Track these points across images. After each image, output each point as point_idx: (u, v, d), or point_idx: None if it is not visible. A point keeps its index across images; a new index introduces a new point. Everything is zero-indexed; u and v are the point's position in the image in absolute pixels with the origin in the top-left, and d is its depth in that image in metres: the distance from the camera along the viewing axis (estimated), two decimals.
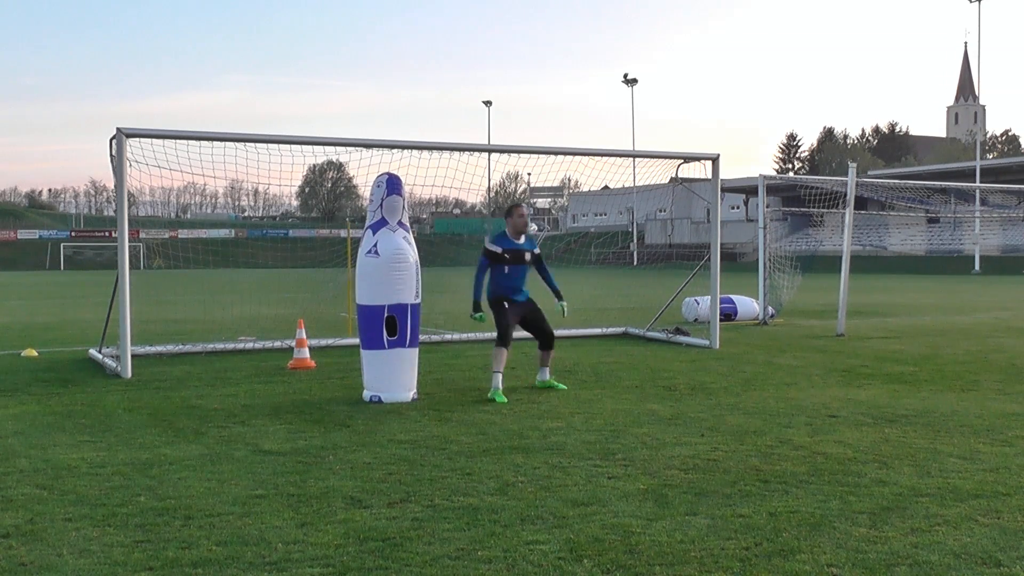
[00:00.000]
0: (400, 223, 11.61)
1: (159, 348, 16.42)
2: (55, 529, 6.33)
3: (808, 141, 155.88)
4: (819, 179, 29.65)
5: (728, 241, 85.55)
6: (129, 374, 13.67)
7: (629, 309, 20.93)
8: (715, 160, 17.73)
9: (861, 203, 31.53)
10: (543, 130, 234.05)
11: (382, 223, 11.56)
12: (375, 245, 11.39)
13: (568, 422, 10.01)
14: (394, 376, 11.38)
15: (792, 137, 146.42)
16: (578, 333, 19.44)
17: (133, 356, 14.89)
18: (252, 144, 14.56)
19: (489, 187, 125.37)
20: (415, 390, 11.65)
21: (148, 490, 7.31)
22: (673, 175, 17.90)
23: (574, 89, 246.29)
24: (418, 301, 11.62)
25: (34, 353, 16.55)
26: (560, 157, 16.96)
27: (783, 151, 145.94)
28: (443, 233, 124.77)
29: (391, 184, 11.71)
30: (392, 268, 11.30)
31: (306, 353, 14.65)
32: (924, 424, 9.81)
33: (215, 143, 14.54)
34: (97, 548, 5.92)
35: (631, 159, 18.03)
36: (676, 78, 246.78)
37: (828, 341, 18.51)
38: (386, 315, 11.33)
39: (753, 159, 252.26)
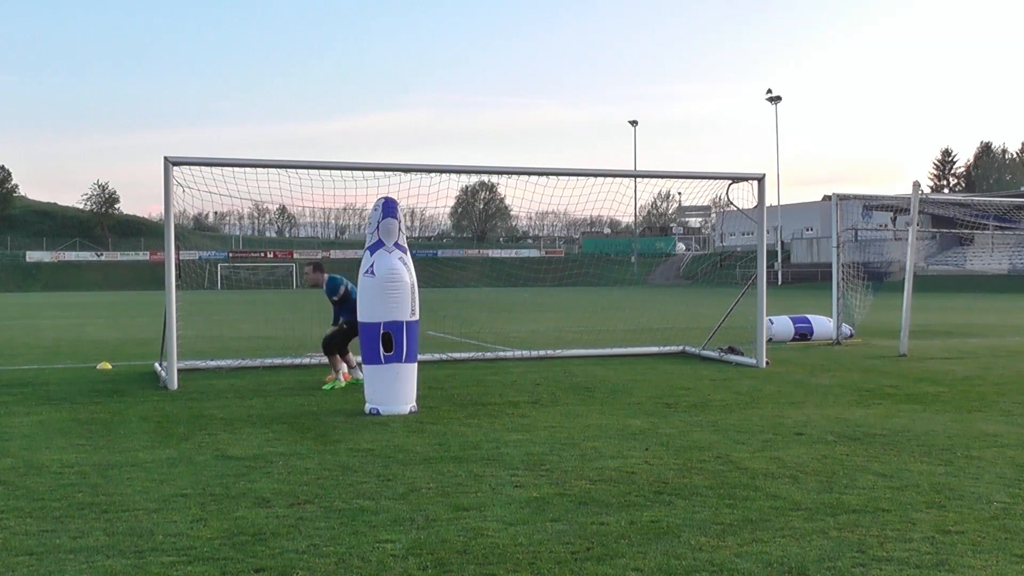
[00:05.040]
0: (396, 244, 12.20)
1: (220, 363, 17.31)
2: None
3: (964, 156, 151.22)
4: (891, 196, 29.43)
5: (874, 260, 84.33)
6: (175, 386, 14.52)
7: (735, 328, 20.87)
8: (760, 180, 17.89)
9: (949, 222, 31.06)
10: (687, 148, 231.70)
11: (379, 244, 12.18)
12: (371, 266, 12.01)
13: (533, 435, 10.40)
14: (392, 390, 11.96)
15: (947, 153, 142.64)
16: (632, 352, 19.87)
17: (195, 370, 15.95)
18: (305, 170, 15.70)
19: (636, 208, 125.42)
20: (414, 403, 12.20)
21: (92, 488, 8.03)
22: (724, 195, 18.12)
23: (716, 106, 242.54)
24: (414, 319, 12.18)
25: (108, 366, 17.60)
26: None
27: (937, 167, 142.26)
28: (591, 252, 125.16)
29: (387, 207, 12.33)
30: (386, 288, 11.90)
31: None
32: (884, 443, 9.89)
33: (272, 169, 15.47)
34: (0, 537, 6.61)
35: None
36: (822, 93, 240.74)
37: (884, 361, 18.40)
38: (382, 332, 11.93)
39: (901, 176, 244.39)
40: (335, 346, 15.04)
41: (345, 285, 15.13)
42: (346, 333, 15.02)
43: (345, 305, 14.99)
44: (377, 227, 12.23)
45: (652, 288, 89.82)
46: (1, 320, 37.97)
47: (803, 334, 22.61)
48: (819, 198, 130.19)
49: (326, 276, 15.35)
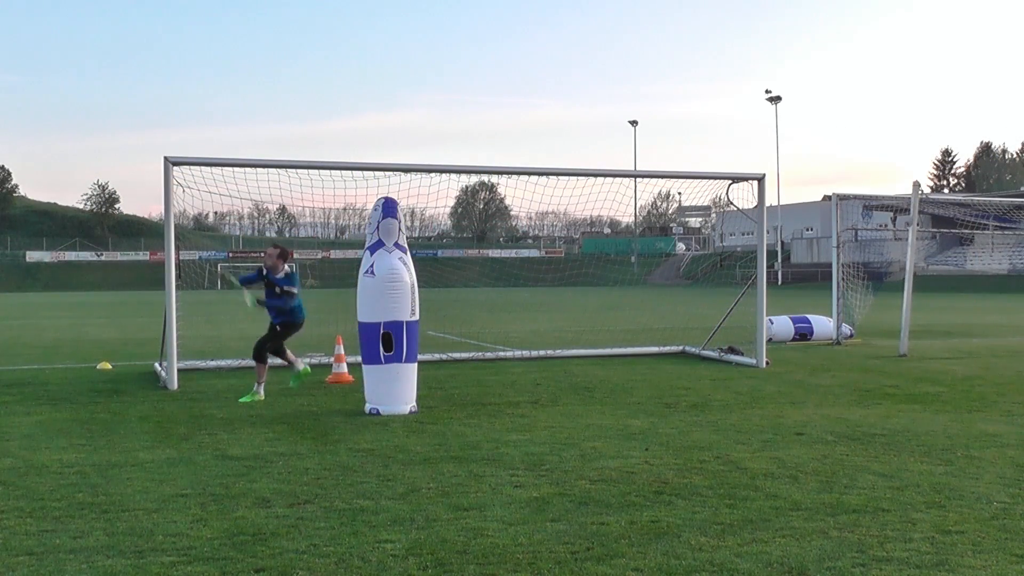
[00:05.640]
0: (396, 244, 12.21)
1: (220, 363, 17.32)
2: None
3: (964, 156, 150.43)
4: (891, 196, 29.45)
5: (874, 260, 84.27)
6: (175, 386, 14.51)
7: (735, 328, 20.86)
8: (760, 180, 17.91)
9: (949, 222, 31.05)
10: (687, 148, 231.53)
11: (379, 244, 12.19)
12: (371, 266, 12.02)
13: (533, 435, 10.41)
14: (392, 390, 11.97)
15: (947, 153, 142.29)
16: (632, 352, 19.88)
17: (195, 370, 15.96)
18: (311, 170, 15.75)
19: (636, 208, 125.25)
20: (414, 403, 12.21)
21: (92, 488, 8.03)
22: (724, 195, 18.14)
23: (716, 106, 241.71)
24: (414, 319, 12.18)
25: (108, 366, 17.61)
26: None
27: (937, 167, 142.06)
28: (591, 252, 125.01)
29: (387, 207, 12.34)
30: (387, 287, 11.90)
31: (344, 368, 15.33)
32: (883, 443, 9.90)
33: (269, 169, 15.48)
34: (0, 537, 6.61)
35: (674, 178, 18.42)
36: (822, 93, 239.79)
37: (884, 361, 18.42)
38: (382, 332, 11.93)
39: (901, 176, 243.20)
40: (266, 351, 14.14)
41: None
42: (278, 336, 14.29)
43: (288, 301, 14.15)
44: (377, 227, 12.24)
45: (652, 288, 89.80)
46: (1, 320, 38.01)
47: (803, 334, 22.63)
48: (819, 198, 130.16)
49: (287, 268, 14.37)
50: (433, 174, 16.49)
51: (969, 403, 12.85)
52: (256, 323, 15.08)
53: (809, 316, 23.63)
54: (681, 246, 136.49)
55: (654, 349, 20.21)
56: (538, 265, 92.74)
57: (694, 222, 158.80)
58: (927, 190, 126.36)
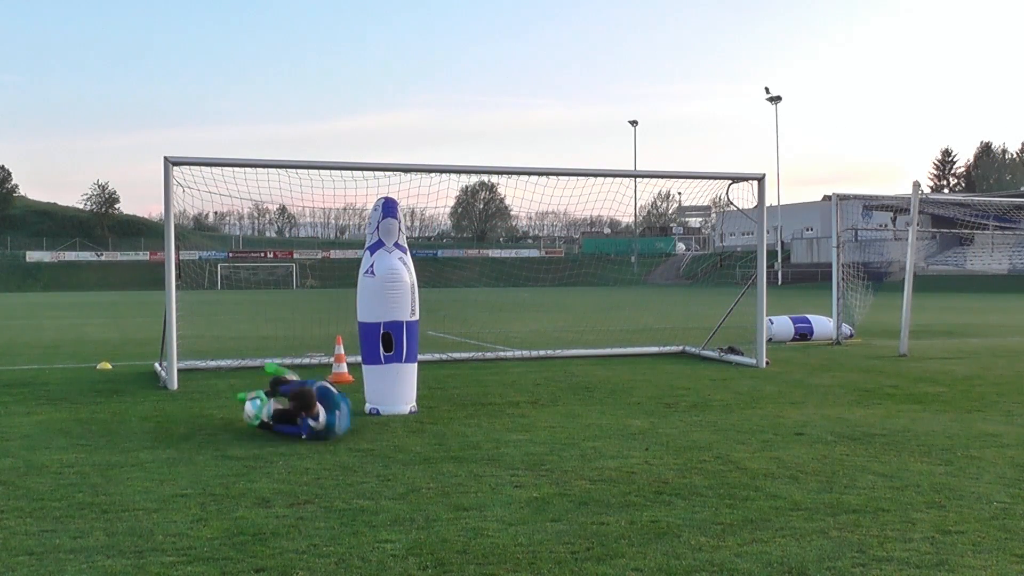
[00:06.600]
0: (396, 244, 12.23)
1: (220, 363, 17.29)
2: None
3: (964, 156, 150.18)
4: (891, 196, 29.48)
5: (875, 260, 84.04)
6: (175, 386, 14.51)
7: (733, 328, 20.84)
8: (760, 180, 17.93)
9: (949, 222, 31.02)
10: (687, 148, 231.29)
11: (379, 244, 12.21)
12: (371, 266, 12.03)
13: (534, 435, 10.42)
14: (392, 390, 11.98)
15: (947, 153, 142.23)
16: (632, 352, 19.88)
17: (194, 370, 15.95)
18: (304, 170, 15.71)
19: (636, 208, 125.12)
20: (414, 403, 12.22)
21: (93, 488, 8.04)
22: (724, 195, 18.16)
23: (716, 106, 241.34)
24: (414, 319, 12.19)
25: (108, 366, 17.61)
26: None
27: (937, 167, 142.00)
28: (591, 252, 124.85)
29: (387, 207, 12.36)
30: (387, 288, 11.91)
31: (344, 368, 15.34)
32: (884, 443, 9.90)
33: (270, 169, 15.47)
34: (0, 537, 6.63)
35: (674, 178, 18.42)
36: (822, 93, 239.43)
37: (884, 361, 18.41)
38: (382, 332, 11.94)
39: (901, 176, 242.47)
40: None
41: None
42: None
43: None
44: (377, 227, 12.26)
45: (652, 288, 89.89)
46: (1, 320, 37.98)
47: (803, 334, 22.63)
48: (819, 198, 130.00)
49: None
50: (433, 174, 16.51)
51: (969, 403, 12.86)
52: (255, 323, 15.02)
53: (809, 316, 23.65)
54: (681, 246, 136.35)
55: (654, 349, 20.24)
56: (538, 265, 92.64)
57: (694, 222, 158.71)
58: (927, 190, 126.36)
